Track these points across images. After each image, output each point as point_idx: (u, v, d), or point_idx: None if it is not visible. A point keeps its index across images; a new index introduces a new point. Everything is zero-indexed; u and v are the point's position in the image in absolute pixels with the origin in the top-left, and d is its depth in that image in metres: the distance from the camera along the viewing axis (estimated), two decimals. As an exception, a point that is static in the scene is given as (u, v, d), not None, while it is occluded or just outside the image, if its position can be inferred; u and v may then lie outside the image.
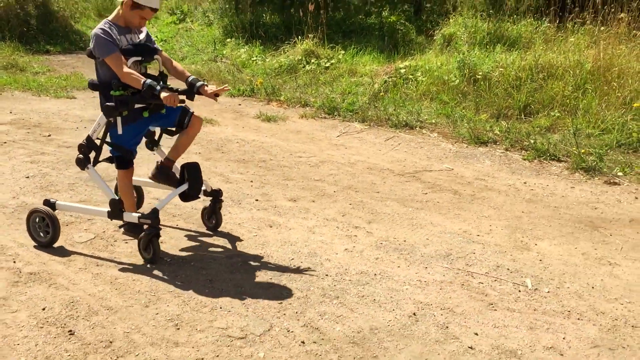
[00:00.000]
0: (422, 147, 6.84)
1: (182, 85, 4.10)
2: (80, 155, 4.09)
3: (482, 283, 3.77)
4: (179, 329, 3.24)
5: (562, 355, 3.06)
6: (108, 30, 3.81)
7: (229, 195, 5.17)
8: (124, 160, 4.12)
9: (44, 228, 4.19)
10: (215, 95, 4.01)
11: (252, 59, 12.20)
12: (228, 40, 14.05)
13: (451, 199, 5.25)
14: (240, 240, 4.37)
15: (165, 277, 3.81)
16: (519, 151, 6.55)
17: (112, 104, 3.81)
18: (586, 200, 5.20)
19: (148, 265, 3.95)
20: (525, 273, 3.90)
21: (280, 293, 3.62)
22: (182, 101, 3.82)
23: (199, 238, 4.42)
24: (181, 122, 4.15)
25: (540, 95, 7.64)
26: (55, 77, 11.00)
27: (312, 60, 11.00)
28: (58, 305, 3.45)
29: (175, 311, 3.41)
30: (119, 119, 3.92)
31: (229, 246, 4.30)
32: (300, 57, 11.19)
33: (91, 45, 3.83)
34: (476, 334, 3.23)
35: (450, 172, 5.97)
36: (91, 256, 4.08)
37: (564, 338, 3.21)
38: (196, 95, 4.04)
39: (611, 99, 7.13)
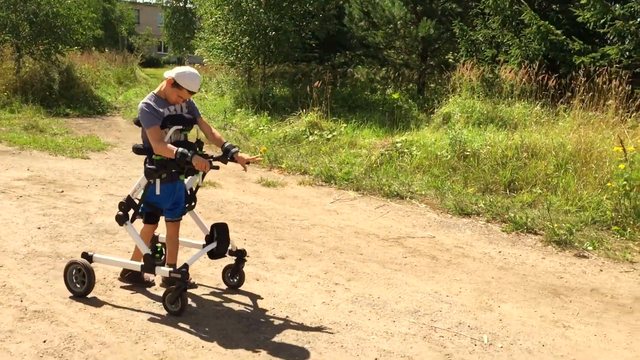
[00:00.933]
0: (409, 215, 7.28)
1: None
2: (120, 213, 4.49)
3: (442, 337, 4.12)
4: (163, 363, 3.62)
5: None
6: (152, 104, 4.28)
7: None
8: (153, 216, 4.61)
9: (80, 279, 4.53)
10: (246, 163, 4.49)
11: (260, 128, 12.88)
12: (238, 110, 14.84)
13: (428, 263, 5.64)
14: (229, 291, 4.77)
15: (156, 319, 4.20)
16: (499, 223, 6.96)
17: (154, 167, 4.30)
18: (554, 270, 5.57)
19: (141, 309, 4.35)
20: (484, 330, 4.26)
21: (258, 337, 3.99)
22: (217, 167, 4.31)
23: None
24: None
25: (524, 172, 8.11)
26: (72, 139, 11.68)
27: (315, 132, 11.64)
28: (57, 339, 3.85)
29: (161, 348, 3.79)
30: (157, 181, 4.36)
31: (217, 296, 4.69)
32: (304, 128, 11.85)
33: (137, 116, 4.36)
34: (430, 379, 3.58)
35: (431, 239, 6.38)
36: (91, 299, 4.48)
37: (509, 387, 3.54)
38: (229, 162, 4.50)
39: (589, 178, 7.58)
